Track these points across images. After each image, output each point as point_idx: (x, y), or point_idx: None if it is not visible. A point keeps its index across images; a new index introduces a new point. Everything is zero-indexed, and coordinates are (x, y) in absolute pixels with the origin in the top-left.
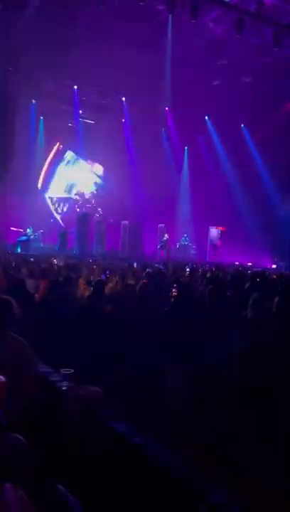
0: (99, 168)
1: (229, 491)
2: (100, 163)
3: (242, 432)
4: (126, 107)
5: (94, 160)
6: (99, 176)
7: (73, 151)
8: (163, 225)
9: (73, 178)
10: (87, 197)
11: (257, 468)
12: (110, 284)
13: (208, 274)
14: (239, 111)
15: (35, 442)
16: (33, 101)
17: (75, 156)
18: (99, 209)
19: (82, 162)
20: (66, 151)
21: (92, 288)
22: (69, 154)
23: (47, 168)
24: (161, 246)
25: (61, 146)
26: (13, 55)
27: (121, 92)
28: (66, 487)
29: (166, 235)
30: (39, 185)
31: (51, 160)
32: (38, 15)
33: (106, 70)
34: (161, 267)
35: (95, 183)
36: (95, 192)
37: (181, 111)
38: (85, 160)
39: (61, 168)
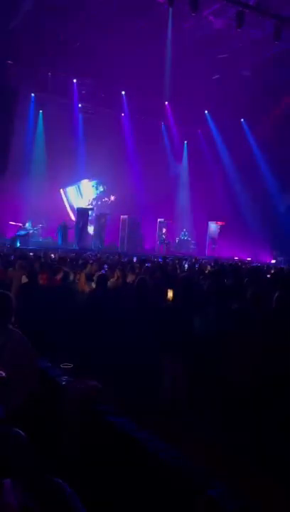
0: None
1: (229, 485)
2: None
3: (242, 427)
4: (125, 101)
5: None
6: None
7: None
8: (162, 219)
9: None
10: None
11: (258, 463)
12: (111, 279)
13: (209, 268)
14: (239, 105)
15: (34, 437)
16: (33, 94)
17: (77, 184)
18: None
19: (82, 183)
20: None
21: (92, 283)
22: (71, 189)
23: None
24: (161, 241)
25: (62, 189)
26: (13, 48)
27: (121, 85)
28: (66, 482)
29: (164, 230)
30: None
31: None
32: (37, 8)
33: (106, 63)
34: (160, 259)
35: (94, 186)
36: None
37: (181, 105)
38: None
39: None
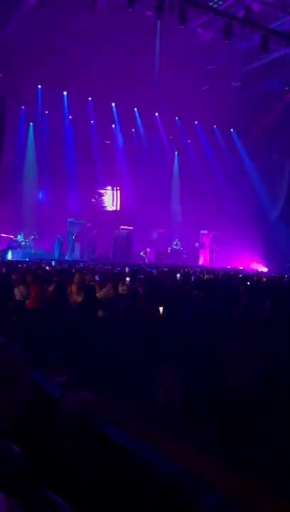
0: None
1: (226, 495)
2: None
3: (238, 435)
4: (116, 113)
5: None
6: None
7: None
8: (156, 231)
9: None
10: None
11: (254, 472)
12: (103, 290)
13: (205, 276)
14: (229, 115)
15: (28, 451)
16: (23, 107)
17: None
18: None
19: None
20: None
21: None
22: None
23: None
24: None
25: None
26: (2, 61)
27: (111, 98)
28: (60, 496)
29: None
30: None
31: None
32: (26, 21)
33: (96, 75)
34: (154, 270)
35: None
36: None
37: (171, 116)
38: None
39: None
